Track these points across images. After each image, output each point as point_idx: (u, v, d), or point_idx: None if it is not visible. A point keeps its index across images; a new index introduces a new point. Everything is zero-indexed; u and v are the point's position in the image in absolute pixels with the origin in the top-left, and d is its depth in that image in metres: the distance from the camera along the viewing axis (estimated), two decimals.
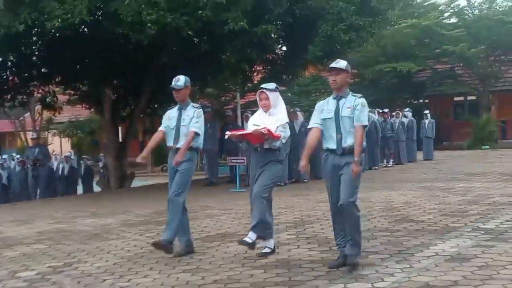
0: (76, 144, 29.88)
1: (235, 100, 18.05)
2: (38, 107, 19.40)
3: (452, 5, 28.85)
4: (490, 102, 27.42)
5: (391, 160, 18.76)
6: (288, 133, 5.96)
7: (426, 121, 20.07)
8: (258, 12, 12.29)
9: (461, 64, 27.55)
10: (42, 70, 17.07)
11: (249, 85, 18.68)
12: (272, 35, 14.14)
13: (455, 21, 28.24)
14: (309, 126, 5.59)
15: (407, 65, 26.63)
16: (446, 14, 29.10)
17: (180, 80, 6.46)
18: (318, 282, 5.21)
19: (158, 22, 11.73)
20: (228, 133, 6.56)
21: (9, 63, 16.59)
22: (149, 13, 11.55)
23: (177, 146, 6.45)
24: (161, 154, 29.16)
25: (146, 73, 14.79)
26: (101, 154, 19.75)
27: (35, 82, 17.55)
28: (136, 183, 18.98)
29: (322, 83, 27.82)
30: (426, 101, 28.10)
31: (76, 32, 13.02)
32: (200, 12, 11.87)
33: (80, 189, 19.56)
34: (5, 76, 17.31)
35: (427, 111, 20.66)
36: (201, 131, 6.52)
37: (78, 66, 15.92)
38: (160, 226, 8.84)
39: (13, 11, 11.28)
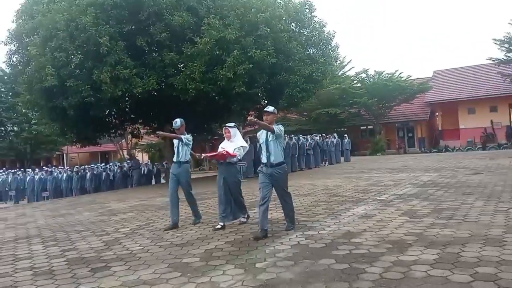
0: (151, 156, 29.62)
1: (240, 131, 18.10)
2: (129, 136, 19.28)
3: (357, 76, 33.03)
4: (380, 129, 31.32)
5: (326, 162, 19.80)
6: (242, 153, 6.08)
7: (345, 140, 22.59)
8: (251, 82, 12.91)
9: (363, 108, 30.90)
10: (132, 116, 17.98)
11: (246, 122, 18.88)
12: (259, 94, 14.64)
13: (360, 85, 31.73)
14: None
15: (334, 109, 30.41)
16: (355, 81, 32.98)
17: (177, 122, 6.52)
18: (288, 231, 5.36)
19: (196, 89, 13.04)
20: (203, 154, 6.71)
21: (113, 113, 17.13)
22: (191, 84, 12.42)
23: (178, 159, 6.43)
24: (197, 160, 29.28)
25: (188, 117, 15.09)
26: (165, 162, 19.75)
27: (128, 123, 18.44)
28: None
29: (288, 120, 31.19)
30: (345, 129, 30.73)
31: (149, 94, 14.08)
32: (219, 82, 12.81)
33: (153, 182, 19.81)
34: (111, 120, 17.95)
35: (346, 135, 23.58)
36: (189, 149, 6.51)
37: (151, 113, 16.10)
38: (199, 201, 8.53)
39: (114, 84, 11.21)
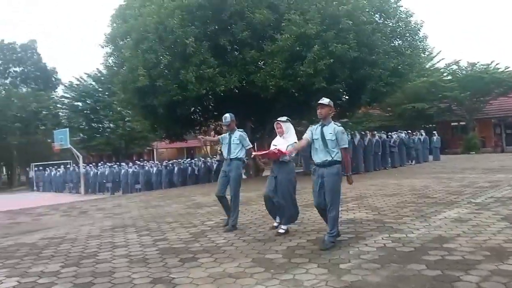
0: None
1: None
2: (212, 132, 19.90)
3: (448, 68, 30.31)
4: (474, 125, 28.80)
5: (413, 161, 18.77)
6: (296, 150, 5.58)
7: (434, 138, 20.88)
8: (332, 77, 12.56)
9: (455, 103, 28.54)
10: (215, 113, 18.19)
11: None
12: (340, 90, 14.04)
13: (450, 77, 28.95)
14: (303, 137, 4.95)
15: (421, 104, 28.18)
16: (445, 73, 30.43)
17: (227, 118, 6.08)
18: (373, 232, 5.21)
19: (276, 85, 12.75)
20: (254, 153, 6.11)
21: (198, 110, 17.97)
22: (271, 80, 12.18)
23: (229, 157, 6.05)
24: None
25: (268, 113, 15.28)
26: (245, 157, 20.02)
27: (211, 120, 18.98)
28: (266, 173, 19.12)
29: (369, 116, 28.45)
30: (434, 125, 27.77)
31: (231, 92, 14.34)
32: (299, 79, 12.52)
33: None
34: (196, 117, 18.71)
35: (435, 132, 21.12)
36: (249, 146, 6.14)
37: (233, 110, 16.24)
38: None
39: (199, 83, 11.61)
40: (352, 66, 13.91)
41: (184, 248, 5.04)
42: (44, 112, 37.01)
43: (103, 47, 16.60)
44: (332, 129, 4.63)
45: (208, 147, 35.31)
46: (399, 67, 14.59)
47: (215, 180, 19.49)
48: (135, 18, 14.63)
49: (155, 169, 21.34)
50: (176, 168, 20.66)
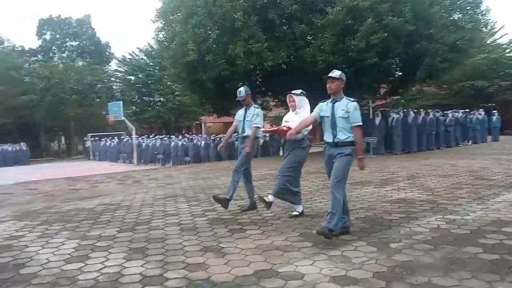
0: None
1: (368, 104, 17.27)
2: (259, 108, 19.61)
3: (511, 45, 26.85)
4: None
5: (470, 141, 17.82)
6: (310, 126, 4.83)
7: (494, 117, 19.63)
8: (385, 52, 12.03)
9: None
10: (262, 88, 18.20)
11: (377, 95, 17.82)
12: (393, 66, 13.52)
13: None
14: (312, 114, 4.49)
15: (480, 82, 26.22)
16: (507, 50, 27.99)
17: (241, 92, 5.65)
18: (426, 213, 5.04)
19: (325, 61, 12.63)
20: (262, 129, 5.71)
21: (245, 85, 15.94)
22: (320, 55, 11.89)
23: (244, 134, 5.64)
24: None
25: (316, 89, 14.93)
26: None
27: (258, 95, 18.60)
28: (312, 150, 18.86)
29: (424, 94, 26.52)
30: (494, 105, 24.77)
31: (279, 67, 14.09)
32: (350, 53, 11.76)
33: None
34: None
35: (495, 111, 20.24)
36: (261, 125, 5.62)
37: (280, 86, 16.33)
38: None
39: (247, 58, 11.55)
40: (407, 41, 13.29)
41: (232, 220, 5.15)
42: (99, 85, 38.56)
43: (154, 22, 16.89)
44: (345, 105, 4.16)
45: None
46: (458, 42, 13.75)
47: (262, 155, 19.68)
48: None
49: (203, 142, 21.78)
50: (223, 142, 20.89)
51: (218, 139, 21.60)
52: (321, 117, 4.31)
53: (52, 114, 36.25)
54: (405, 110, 15.84)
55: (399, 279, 3.04)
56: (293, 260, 3.54)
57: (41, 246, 4.29)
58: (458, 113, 17.48)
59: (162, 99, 37.83)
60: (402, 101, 25.16)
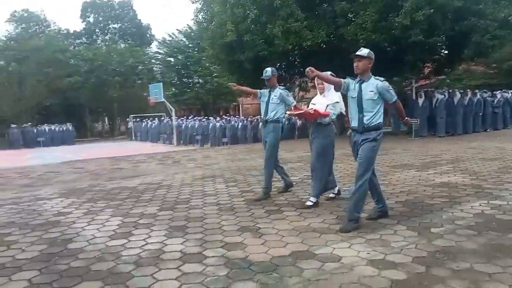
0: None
1: (411, 85, 16.67)
2: (297, 89, 19.59)
3: None
4: None
5: None
6: (338, 110, 4.80)
7: None
8: (430, 30, 11.38)
9: None
10: (301, 69, 17.19)
11: (421, 75, 17.14)
12: (439, 43, 12.77)
13: None
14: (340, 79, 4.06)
15: None
16: None
17: (267, 72, 5.39)
18: (469, 198, 4.89)
19: (366, 39, 12.03)
20: (288, 112, 5.34)
21: (283, 66, 17.48)
22: (362, 34, 11.54)
23: (265, 118, 5.40)
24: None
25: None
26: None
27: (297, 76, 18.36)
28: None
29: (471, 73, 24.90)
30: None
31: (318, 47, 13.80)
32: (393, 31, 11.10)
33: None
34: (281, 73, 18.09)
35: None
36: (294, 103, 5.32)
37: (319, 66, 15.80)
38: None
39: (286, 37, 11.40)
40: (454, 17, 12.71)
41: (269, 201, 5.18)
42: (140, 67, 39.46)
43: (193, 3, 16.96)
44: (374, 86, 3.82)
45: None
46: (510, 18, 12.92)
47: (299, 137, 19.58)
48: None
49: (240, 124, 21.92)
50: (261, 124, 20.97)
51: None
52: (348, 98, 4.02)
53: (96, 96, 37.55)
54: (450, 90, 15.18)
55: (440, 264, 2.98)
56: (330, 242, 3.53)
57: (87, 222, 4.51)
58: (508, 93, 16.54)
59: (200, 80, 38.23)
60: (448, 81, 24.08)
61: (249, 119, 22.21)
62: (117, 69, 37.77)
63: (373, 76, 3.89)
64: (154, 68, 41.30)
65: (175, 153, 13.29)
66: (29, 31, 42.01)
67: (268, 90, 5.44)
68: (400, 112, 4.06)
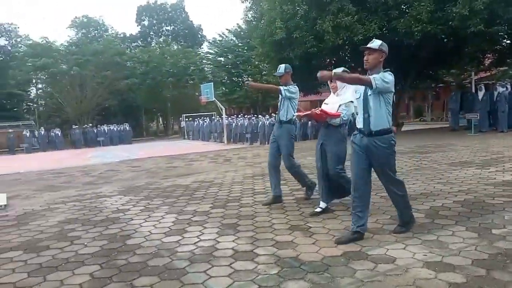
0: None
1: (471, 77, 15.87)
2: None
3: None
4: None
5: None
6: (351, 110, 4.30)
7: None
8: (491, 19, 10.59)
9: None
10: (352, 64, 16.60)
11: (481, 66, 16.22)
12: (501, 33, 12.26)
13: None
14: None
15: None
16: None
17: (281, 68, 5.08)
18: None
19: (422, 31, 11.19)
20: (295, 114, 4.94)
21: (333, 62, 17.01)
22: (416, 26, 10.86)
23: (280, 118, 5.06)
24: (418, 109, 26.98)
25: (411, 63, 14.08)
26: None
27: (347, 71, 16.65)
28: (405, 128, 18.10)
29: None
30: None
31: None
32: (450, 22, 10.41)
33: None
34: (331, 69, 16.55)
35: None
36: (293, 104, 5.00)
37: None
38: (421, 155, 8.63)
39: (336, 33, 11.22)
40: None
41: (319, 200, 5.05)
42: (192, 68, 40.47)
43: (243, 2, 17.12)
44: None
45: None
46: None
47: (349, 134, 19.21)
48: None
49: None
50: (310, 122, 20.83)
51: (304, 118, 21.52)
52: (357, 100, 3.61)
53: (151, 96, 39.04)
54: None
55: (502, 267, 2.82)
56: (384, 243, 3.44)
57: (144, 219, 4.70)
58: None
59: (250, 79, 38.57)
60: (510, 72, 22.68)
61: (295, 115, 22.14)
62: (171, 70, 38.99)
63: (382, 71, 3.44)
64: (205, 68, 42.19)
65: (226, 152, 13.52)
66: (89, 36, 44.40)
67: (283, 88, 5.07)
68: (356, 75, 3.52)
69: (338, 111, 4.34)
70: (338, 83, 4.39)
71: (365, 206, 3.58)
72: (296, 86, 5.09)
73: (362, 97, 3.50)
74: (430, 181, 5.81)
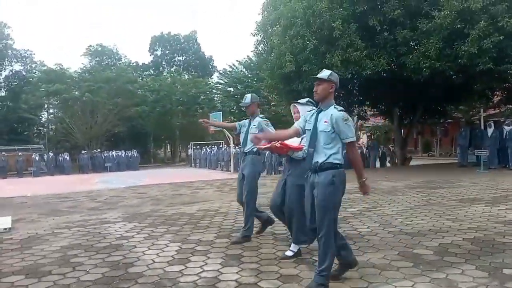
0: (376, 138, 28.81)
1: (480, 114, 15.85)
2: (355, 118, 19.36)
3: None
4: None
5: None
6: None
7: None
8: (500, 57, 10.92)
9: None
10: (360, 98, 17.88)
11: (490, 103, 16.23)
12: (509, 71, 11.98)
13: None
14: (295, 124, 3.61)
15: None
16: None
17: (246, 99, 5.00)
18: None
19: (430, 67, 11.49)
20: (257, 147, 4.47)
21: (341, 95, 17.21)
22: (425, 62, 11.07)
23: (245, 150, 4.92)
24: (427, 143, 26.78)
25: (419, 98, 14.15)
26: (392, 145, 19.03)
27: (355, 105, 17.45)
28: (413, 162, 17.89)
29: None
30: None
31: (379, 75, 13.53)
32: (459, 60, 10.68)
33: (377, 164, 19.66)
34: (339, 101, 17.24)
35: None
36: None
37: (379, 95, 15.77)
38: (429, 190, 8.29)
39: (345, 67, 11.39)
40: None
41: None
42: (202, 97, 41.07)
43: (253, 35, 17.52)
44: (329, 116, 3.20)
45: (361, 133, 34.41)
46: None
47: (366, 165, 19.13)
48: (284, 5, 14.91)
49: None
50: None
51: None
52: (305, 130, 3.42)
53: (160, 124, 39.47)
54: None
55: None
56: (391, 280, 3.36)
57: (147, 247, 4.64)
58: None
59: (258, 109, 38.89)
60: None
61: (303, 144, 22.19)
62: (181, 99, 39.55)
63: (334, 105, 3.29)
64: (214, 98, 42.78)
65: (232, 180, 13.45)
66: (102, 63, 45.45)
67: (248, 119, 5.04)
68: (354, 159, 3.27)
69: (301, 143, 3.95)
70: (301, 112, 4.03)
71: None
72: (263, 119, 4.88)
73: (312, 131, 3.32)
74: (439, 217, 5.73)
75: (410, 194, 8.06)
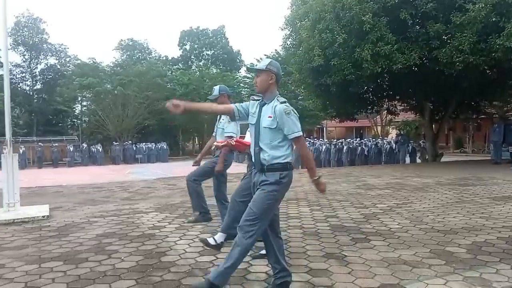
0: (406, 133, 28.28)
1: None
2: (385, 112, 18.99)
3: None
4: None
5: None
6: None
7: None
8: None
9: None
10: (390, 92, 17.54)
11: None
12: None
13: None
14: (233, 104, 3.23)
15: None
16: None
17: (214, 90, 4.88)
18: None
19: (464, 62, 11.21)
20: (215, 143, 4.75)
21: (371, 89, 17.11)
22: (458, 56, 10.78)
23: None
24: (459, 140, 26.17)
25: (451, 93, 13.75)
26: (422, 140, 18.64)
27: (385, 99, 17.06)
28: (444, 159, 17.47)
29: None
30: None
31: (409, 70, 13.20)
32: (493, 54, 10.22)
33: (407, 160, 19.25)
34: (369, 96, 17.91)
35: None
36: (235, 134, 4.85)
37: (410, 90, 15.37)
38: (462, 187, 8.20)
39: (375, 61, 11.12)
40: None
41: (355, 228, 5.00)
42: (230, 91, 41.21)
43: (282, 30, 17.43)
44: (272, 109, 2.89)
45: (379, 127, 33.88)
46: None
47: (386, 162, 18.81)
48: None
49: (324, 147, 21.71)
50: (345, 147, 20.63)
51: (339, 144, 21.31)
52: (250, 124, 3.09)
53: (188, 117, 39.88)
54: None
55: None
56: (423, 277, 3.30)
57: (179, 237, 4.72)
58: None
59: None
60: None
61: (333, 142, 21.98)
62: (209, 93, 39.76)
63: (277, 97, 2.95)
64: (242, 92, 42.91)
65: None
66: (133, 58, 46.30)
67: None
68: (305, 156, 2.96)
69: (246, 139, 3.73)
70: None
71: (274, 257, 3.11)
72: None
73: (255, 126, 3.02)
74: (472, 215, 5.57)
75: (441, 191, 7.87)
